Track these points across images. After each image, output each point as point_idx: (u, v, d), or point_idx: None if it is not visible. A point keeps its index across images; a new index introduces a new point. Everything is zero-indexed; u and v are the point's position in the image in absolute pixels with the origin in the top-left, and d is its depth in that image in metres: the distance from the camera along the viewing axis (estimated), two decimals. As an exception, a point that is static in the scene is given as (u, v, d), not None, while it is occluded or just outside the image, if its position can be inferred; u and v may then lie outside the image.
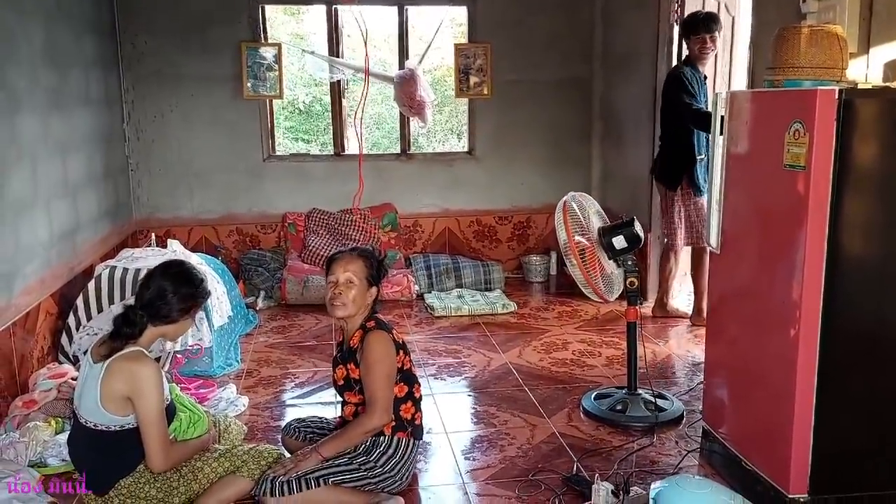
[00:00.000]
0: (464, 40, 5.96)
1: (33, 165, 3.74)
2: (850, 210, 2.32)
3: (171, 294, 2.47)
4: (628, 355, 3.46)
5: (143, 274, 2.71)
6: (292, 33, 9.00)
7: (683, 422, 3.33)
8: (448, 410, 3.52)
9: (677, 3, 4.79)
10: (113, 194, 5.13)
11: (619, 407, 3.38)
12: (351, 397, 2.76)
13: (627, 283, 3.38)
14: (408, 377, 2.75)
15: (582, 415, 3.43)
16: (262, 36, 5.64)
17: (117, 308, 2.98)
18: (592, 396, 3.53)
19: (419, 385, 2.81)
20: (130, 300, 2.63)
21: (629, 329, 3.43)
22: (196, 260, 4.26)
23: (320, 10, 5.87)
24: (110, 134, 5.14)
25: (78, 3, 4.58)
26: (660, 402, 3.41)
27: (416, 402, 2.78)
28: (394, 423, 2.68)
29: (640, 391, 3.44)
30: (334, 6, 5.72)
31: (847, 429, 2.44)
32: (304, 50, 5.98)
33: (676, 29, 4.82)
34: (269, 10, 5.87)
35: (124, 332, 2.41)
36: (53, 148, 4.03)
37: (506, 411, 3.49)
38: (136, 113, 5.54)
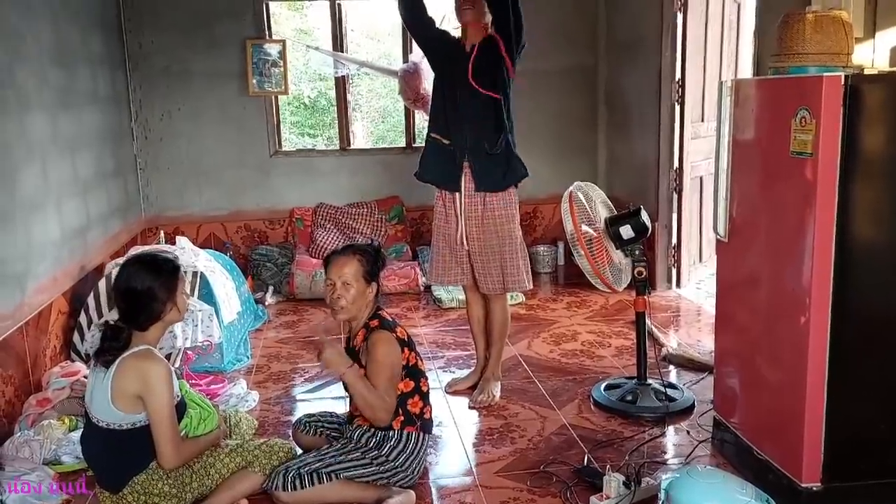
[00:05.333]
0: (468, 32, 5.93)
1: (43, 164, 3.76)
2: (859, 196, 2.31)
3: (147, 297, 2.40)
4: (638, 345, 3.46)
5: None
6: (297, 28, 9.00)
7: (694, 412, 3.32)
8: (458, 403, 3.53)
9: (682, -10, 4.76)
10: (122, 192, 5.15)
11: (629, 397, 3.38)
12: (356, 394, 2.77)
13: (635, 272, 3.38)
14: (414, 372, 2.75)
15: (592, 406, 3.43)
16: (266, 32, 5.64)
17: (114, 314, 2.84)
18: (602, 387, 3.53)
19: (426, 379, 2.81)
20: (113, 315, 2.55)
21: (638, 319, 3.43)
22: (204, 256, 4.28)
23: (324, 6, 5.86)
24: (119, 132, 5.16)
25: (84, 1, 4.59)
26: (670, 392, 3.41)
27: (424, 396, 2.78)
28: (402, 418, 2.68)
29: (650, 381, 3.44)
30: (337, 1, 5.71)
31: (860, 416, 2.44)
32: (308, 45, 5.99)
33: (680, 16, 4.79)
34: (274, 6, 5.87)
35: (109, 346, 2.39)
36: (63, 146, 4.05)
37: (516, 403, 3.49)
38: (143, 111, 5.55)
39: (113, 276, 3.86)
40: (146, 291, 2.40)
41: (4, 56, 3.41)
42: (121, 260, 4.08)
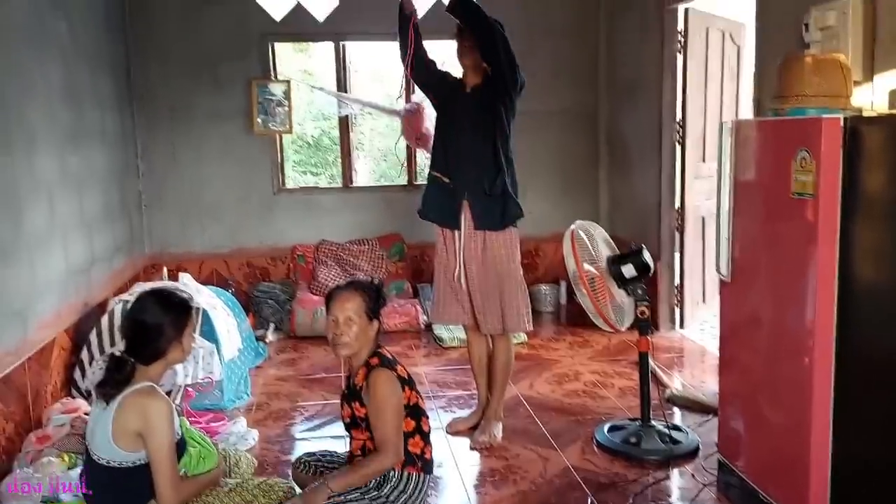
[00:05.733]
0: (470, 73, 6.01)
1: (50, 201, 3.79)
2: (860, 237, 2.31)
3: (155, 332, 2.39)
4: (641, 386, 3.43)
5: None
6: (301, 69, 9.12)
7: (699, 454, 3.29)
8: (459, 444, 3.50)
9: (681, 33, 4.84)
10: (127, 229, 5.18)
11: (633, 439, 3.35)
12: (358, 434, 2.74)
13: (638, 312, 3.37)
14: (415, 411, 2.72)
15: (595, 447, 3.40)
16: (271, 72, 5.72)
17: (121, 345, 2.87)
18: (606, 429, 3.50)
19: (427, 418, 2.78)
20: (120, 346, 2.54)
21: (641, 359, 3.42)
22: (207, 293, 4.29)
23: (328, 47, 5.96)
24: (124, 169, 5.20)
25: (94, 42, 4.67)
26: (674, 434, 3.37)
27: (425, 436, 2.75)
28: (403, 459, 2.65)
29: (654, 423, 3.41)
30: (342, 42, 5.81)
31: (866, 458, 2.41)
32: (312, 86, 6.07)
33: (680, 58, 4.86)
34: (279, 46, 5.96)
35: (111, 379, 2.38)
36: (69, 184, 4.09)
37: (517, 444, 3.46)
38: (149, 148, 5.61)
39: (117, 313, 3.88)
40: (155, 326, 2.40)
41: (16, 95, 3.46)
42: (125, 296, 4.09)
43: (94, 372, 3.75)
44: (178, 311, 2.47)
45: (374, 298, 2.70)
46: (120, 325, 2.45)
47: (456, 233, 3.50)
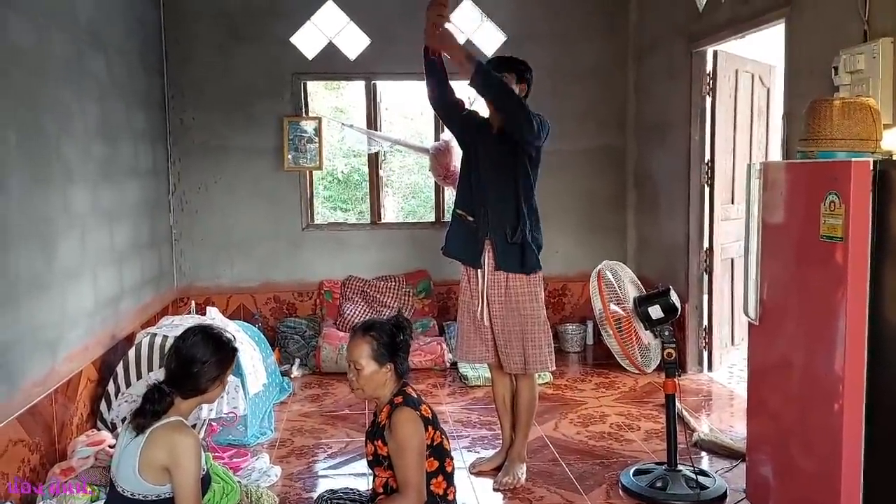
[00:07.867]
0: (499, 112, 6.07)
1: (83, 234, 3.87)
2: (891, 280, 2.28)
3: (201, 369, 2.43)
4: (667, 429, 3.38)
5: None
6: (333, 106, 9.28)
7: (727, 501, 3.20)
8: (482, 485, 3.45)
9: (709, 75, 4.85)
10: (156, 263, 5.26)
11: (659, 484, 3.28)
12: (381, 472, 2.71)
13: (665, 354, 3.33)
14: (438, 451, 2.69)
15: (620, 491, 3.34)
16: (303, 110, 5.83)
17: (154, 376, 2.94)
18: (631, 472, 3.43)
19: (451, 459, 2.75)
20: (159, 373, 2.57)
21: (668, 402, 3.36)
22: (233, 327, 4.32)
23: (359, 86, 6.06)
24: (156, 204, 5.30)
25: (130, 79, 4.80)
26: (701, 479, 3.30)
27: (448, 477, 2.71)
28: (425, 499, 2.62)
29: (680, 467, 3.35)
30: (373, 81, 5.91)
31: (898, 510, 2.35)
32: (343, 123, 6.17)
33: (709, 100, 4.86)
34: (311, 85, 6.08)
35: (149, 409, 2.40)
36: (102, 217, 4.17)
37: (541, 486, 3.41)
38: (181, 184, 5.72)
39: (144, 346, 3.92)
40: (203, 363, 2.44)
41: (55, 130, 3.56)
42: (152, 329, 4.14)
43: (121, 404, 3.78)
44: (226, 352, 2.52)
45: (387, 342, 2.65)
46: (165, 357, 2.48)
47: (479, 271, 3.50)
